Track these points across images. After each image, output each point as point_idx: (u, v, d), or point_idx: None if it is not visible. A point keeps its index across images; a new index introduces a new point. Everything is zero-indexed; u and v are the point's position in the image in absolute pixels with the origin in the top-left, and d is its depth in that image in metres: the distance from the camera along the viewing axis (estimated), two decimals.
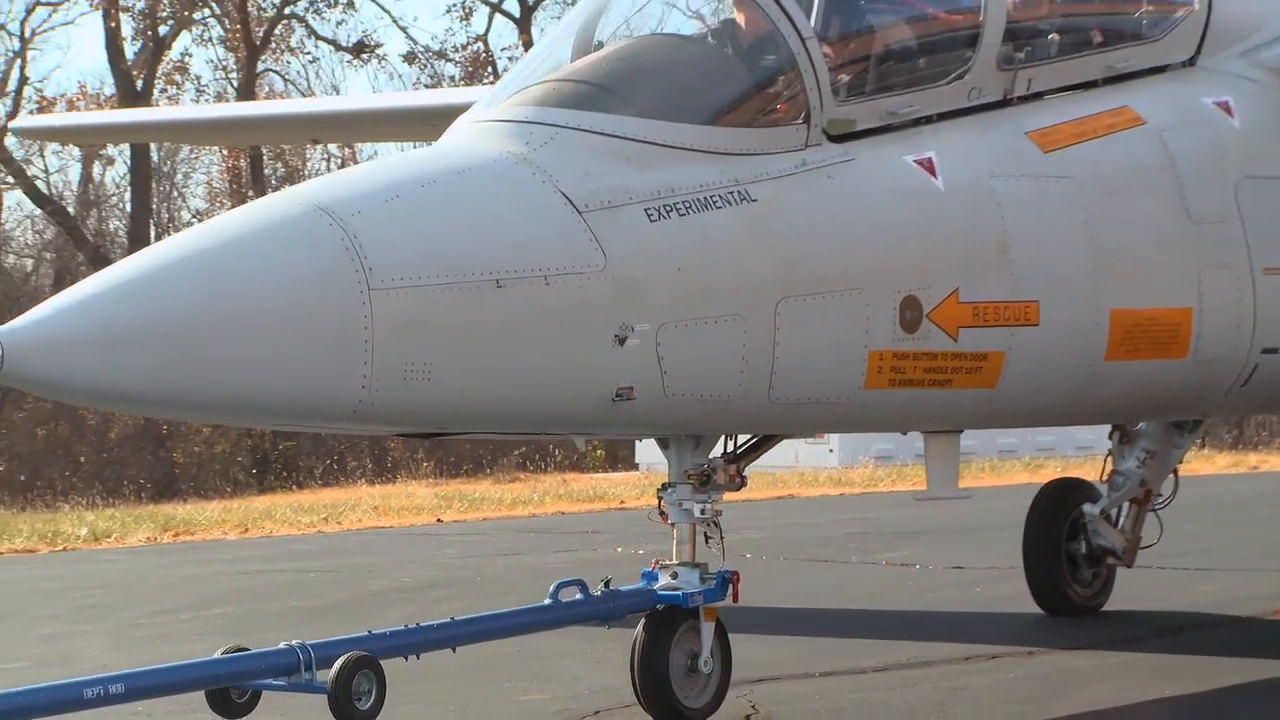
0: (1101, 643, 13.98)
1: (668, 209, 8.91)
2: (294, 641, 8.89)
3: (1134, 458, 14.92)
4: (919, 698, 11.96)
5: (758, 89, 9.78)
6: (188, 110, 55.40)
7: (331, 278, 7.79)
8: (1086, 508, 15.15)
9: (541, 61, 10.03)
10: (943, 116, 10.29)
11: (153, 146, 66.33)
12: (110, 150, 67.07)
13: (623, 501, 32.56)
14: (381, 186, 8.59)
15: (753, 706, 11.66)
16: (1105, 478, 15.21)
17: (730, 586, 10.16)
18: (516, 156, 8.77)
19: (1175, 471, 15.24)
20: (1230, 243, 11.29)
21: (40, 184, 72.27)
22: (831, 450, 47.50)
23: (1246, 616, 15.41)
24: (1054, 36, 11.19)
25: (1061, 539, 15.21)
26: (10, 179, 71.82)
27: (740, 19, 9.89)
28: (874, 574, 19.51)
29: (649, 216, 8.84)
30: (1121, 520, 15.15)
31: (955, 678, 12.73)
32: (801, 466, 43.26)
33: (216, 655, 9.01)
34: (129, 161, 72.56)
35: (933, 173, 10.00)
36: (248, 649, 9.02)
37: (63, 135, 42.10)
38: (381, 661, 8.94)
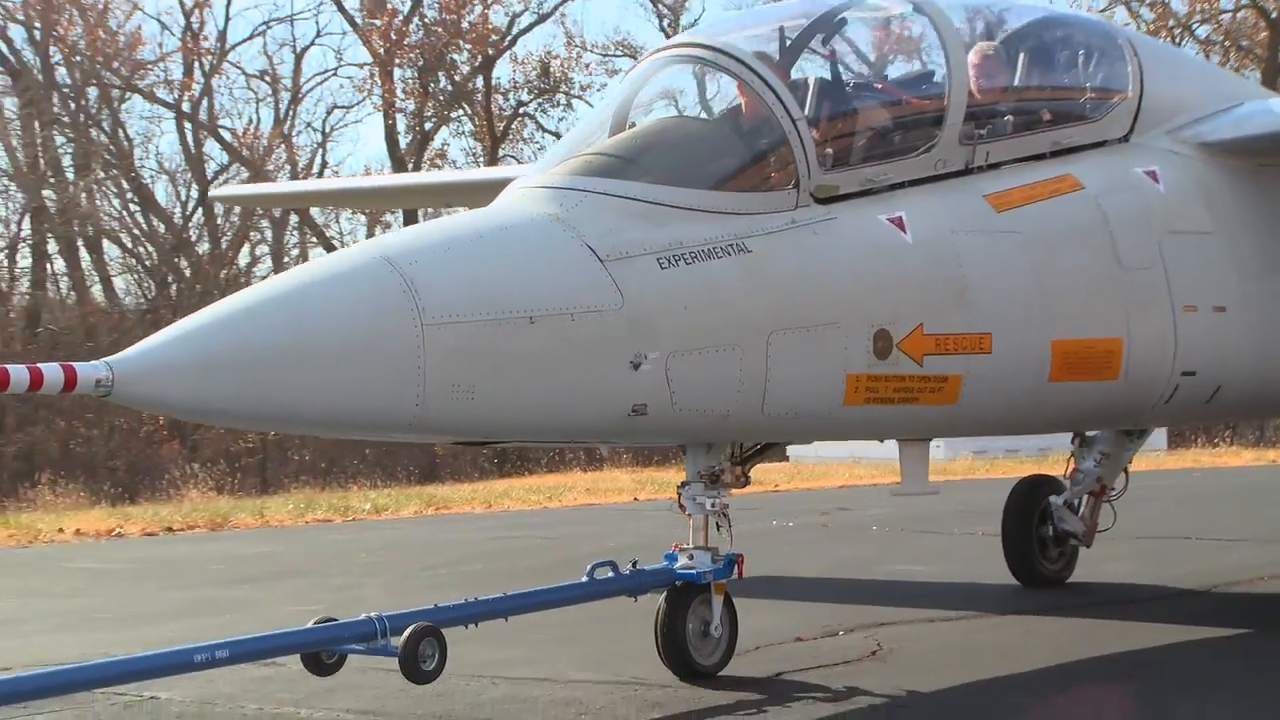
0: (1064, 608, 13.83)
1: (676, 259, 8.73)
2: (373, 613, 8.76)
3: (1091, 458, 14.73)
4: (991, 638, 12.17)
5: (755, 160, 9.60)
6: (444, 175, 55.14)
7: (391, 314, 7.70)
8: (1053, 499, 14.92)
9: (579, 139, 9.94)
10: (913, 183, 10.06)
11: None
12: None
13: (776, 485, 32.98)
14: (437, 240, 8.52)
15: (877, 644, 11.80)
16: (1068, 474, 15.06)
17: (736, 566, 10.03)
18: (552, 216, 8.65)
19: (1126, 469, 15.03)
20: (1155, 286, 11.02)
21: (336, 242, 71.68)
22: (937, 445, 46.88)
23: (1186, 589, 15.07)
24: (1009, 117, 10.99)
25: (1033, 524, 15.04)
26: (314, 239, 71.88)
27: (743, 103, 9.76)
28: (971, 542, 19.27)
29: (660, 265, 8.67)
30: (1082, 509, 14.85)
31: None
32: None
33: (310, 625, 8.82)
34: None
35: (902, 229, 9.79)
36: (336, 619, 8.87)
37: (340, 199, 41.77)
38: (446, 629, 8.81)
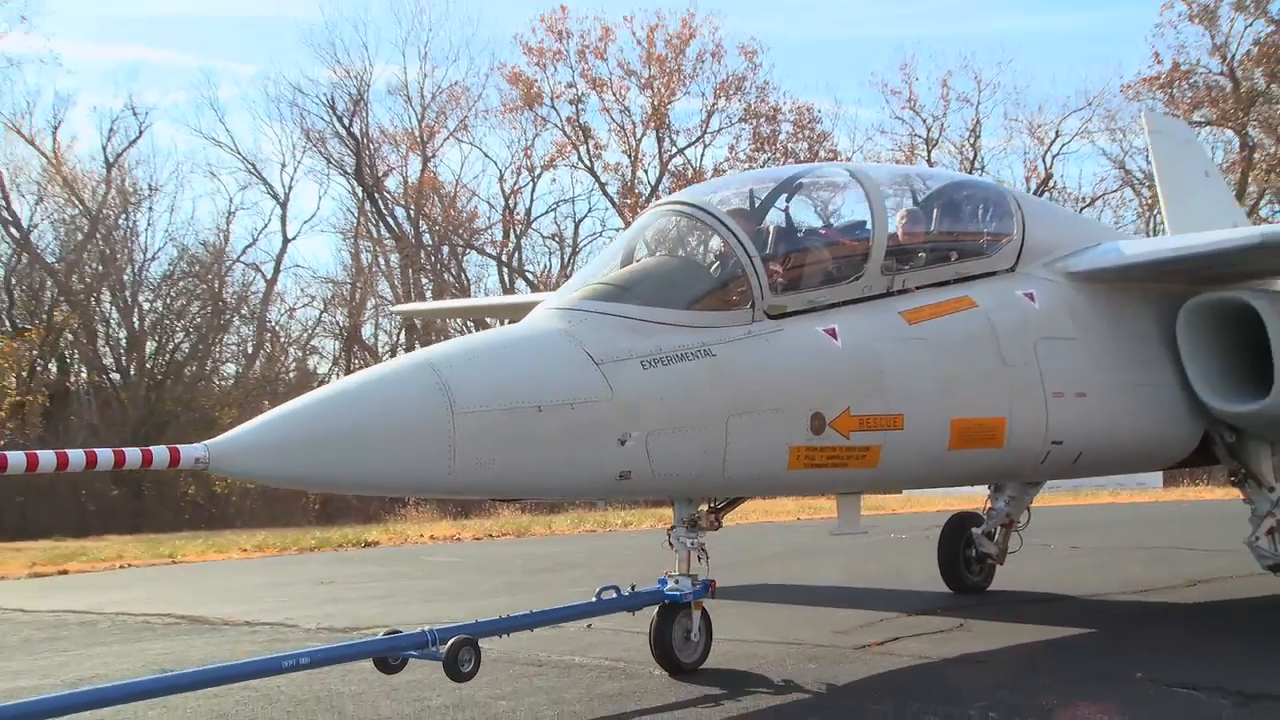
0: (980, 608, 13.13)
1: (656, 361, 8.43)
2: (426, 627, 8.41)
3: (1002, 499, 14.34)
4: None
5: (721, 287, 9.27)
6: None
7: (430, 406, 7.53)
8: (974, 530, 14.50)
9: (593, 270, 9.69)
10: (845, 303, 9.70)
11: None
12: None
13: (894, 509, 31.14)
14: (468, 349, 8.33)
15: (960, 624, 11.90)
16: (986, 511, 14.55)
17: (709, 588, 9.63)
18: (561, 330, 8.43)
19: (1029, 508, 14.51)
20: (1030, 378, 10.57)
21: None
22: None
23: (1071, 595, 14.34)
24: (922, 254, 10.68)
25: (960, 547, 14.53)
26: None
27: (713, 244, 9.48)
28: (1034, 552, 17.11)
29: (643, 366, 8.37)
30: (996, 537, 14.40)
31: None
32: None
33: (380, 636, 8.55)
34: None
35: (835, 337, 9.40)
36: (400, 631, 8.53)
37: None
38: (483, 640, 8.55)
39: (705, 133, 61.41)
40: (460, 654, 8.05)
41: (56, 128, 57.93)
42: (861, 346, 9.50)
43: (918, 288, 10.22)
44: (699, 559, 9.58)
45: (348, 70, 61.22)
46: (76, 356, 56.54)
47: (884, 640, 11.00)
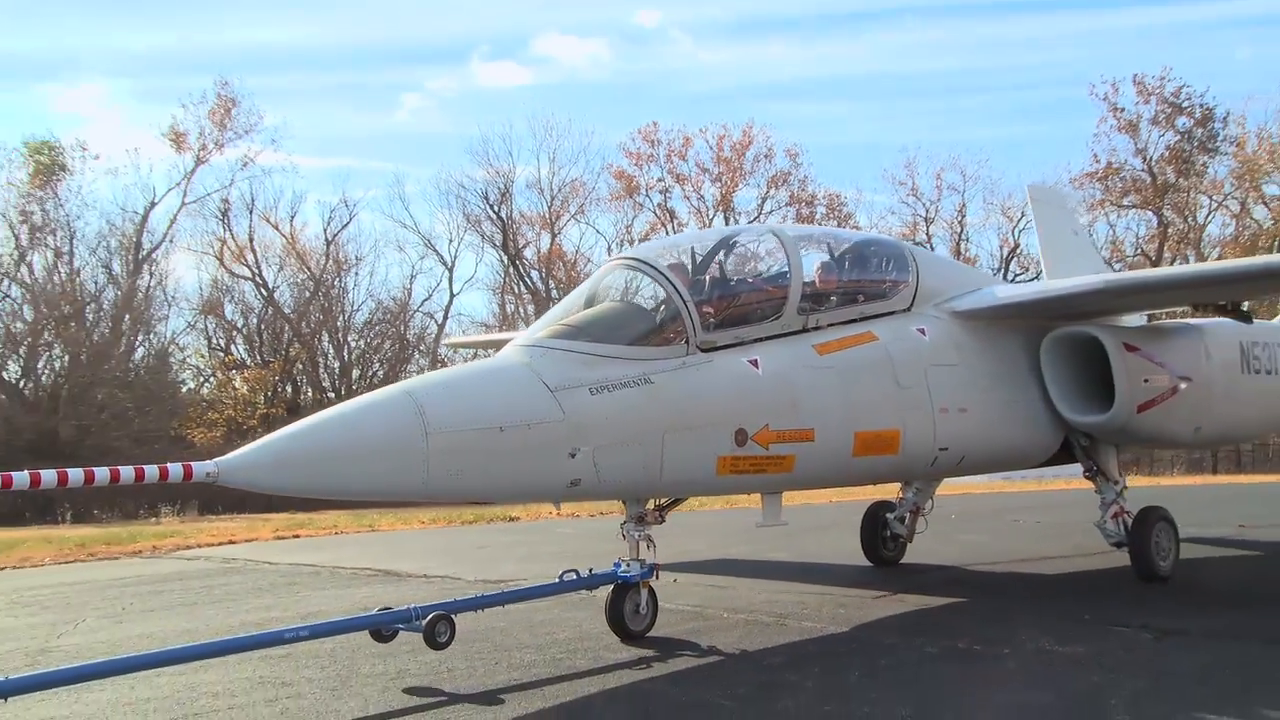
0: (898, 577, 12.30)
1: (602, 388, 7.89)
2: (409, 605, 7.91)
3: (911, 491, 13.64)
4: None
5: (660, 327, 8.62)
6: None
7: (407, 427, 7.05)
8: (888, 514, 13.78)
9: (558, 312, 9.00)
10: (767, 338, 9.11)
11: None
12: None
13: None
14: (444, 380, 7.92)
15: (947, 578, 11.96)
16: (898, 499, 13.76)
17: (654, 571, 9.09)
18: (524, 363, 7.89)
19: (932, 497, 13.86)
20: (921, 397, 9.98)
21: None
22: None
23: (955, 565, 13.60)
24: (834, 298, 10.04)
25: (878, 528, 13.79)
26: None
27: (656, 292, 8.83)
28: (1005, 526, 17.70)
29: (590, 392, 7.83)
30: (906, 521, 13.68)
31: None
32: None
33: (374, 612, 7.98)
34: None
35: (757, 366, 8.82)
36: (391, 608, 7.98)
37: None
38: (457, 615, 8.01)
39: (760, 214, 61.36)
40: (437, 627, 7.58)
41: (293, 216, 61.28)
42: (779, 374, 8.92)
43: (829, 325, 9.64)
44: (648, 547, 9.03)
45: (497, 171, 62.22)
46: (304, 381, 59.69)
47: (895, 592, 11.05)
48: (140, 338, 55.52)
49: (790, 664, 7.97)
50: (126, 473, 6.49)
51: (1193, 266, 20.36)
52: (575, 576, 8.84)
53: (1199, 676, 7.36)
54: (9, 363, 50.46)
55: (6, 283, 50.54)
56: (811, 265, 10.06)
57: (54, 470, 6.41)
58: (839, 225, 58.22)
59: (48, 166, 52.34)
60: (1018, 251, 60.73)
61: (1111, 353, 10.98)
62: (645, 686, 7.43)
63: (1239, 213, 56.84)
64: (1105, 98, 56.06)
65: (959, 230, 62.82)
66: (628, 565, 8.90)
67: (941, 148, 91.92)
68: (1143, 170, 56.99)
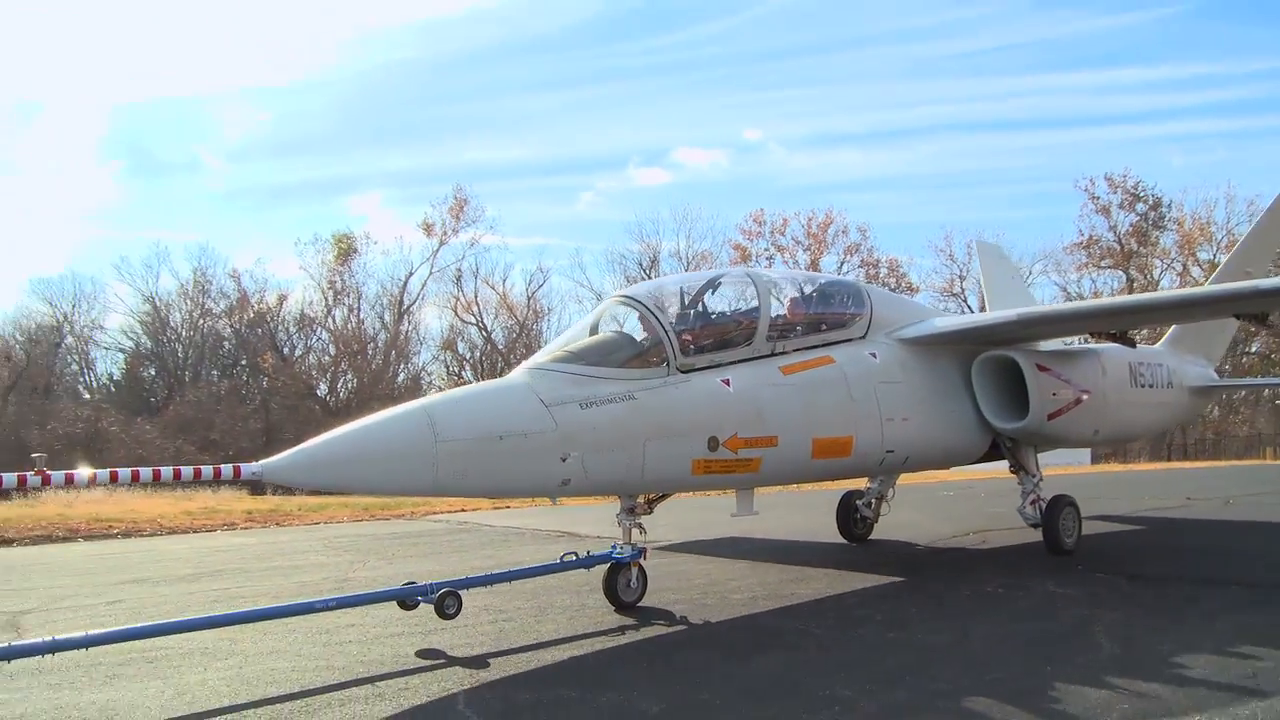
0: (869, 554, 11.06)
1: (591, 403, 6.86)
2: (426, 582, 6.88)
3: (876, 481, 12.18)
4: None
5: (646, 352, 7.53)
6: None
7: (420, 437, 6.10)
8: (857, 500, 12.35)
9: (564, 339, 7.92)
10: (739, 362, 7.97)
11: None
12: None
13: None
14: (455, 397, 6.76)
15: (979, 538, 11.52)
16: (866, 488, 12.33)
17: (643, 554, 7.94)
18: (525, 383, 6.88)
19: (893, 486, 12.38)
20: (870, 409, 8.77)
21: None
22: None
23: (924, 544, 12.09)
24: (799, 328, 8.82)
25: (850, 512, 12.36)
26: None
27: (645, 323, 7.74)
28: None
29: (581, 407, 6.80)
30: (872, 506, 12.30)
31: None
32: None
33: (399, 586, 6.93)
34: None
35: (728, 385, 7.70)
36: (415, 583, 6.90)
37: None
38: (466, 591, 7.03)
39: (839, 275, 61.03)
40: (445, 601, 6.60)
41: (504, 280, 65.14)
42: (747, 390, 7.80)
43: (795, 350, 8.49)
44: (641, 533, 7.95)
45: (648, 244, 63.21)
46: None
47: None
48: (401, 366, 60.44)
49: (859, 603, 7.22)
50: (186, 472, 5.73)
51: (1079, 303, 18.92)
52: (575, 558, 7.75)
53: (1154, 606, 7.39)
54: (320, 383, 57.65)
55: (318, 329, 58.82)
56: (780, 302, 8.93)
57: (128, 469, 5.69)
58: (897, 283, 59.68)
59: (345, 250, 59.61)
60: None
61: (1026, 372, 9.83)
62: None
63: (1182, 272, 59.35)
64: (1086, 189, 60.13)
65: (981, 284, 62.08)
66: (621, 548, 7.81)
67: (970, 224, 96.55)
68: (1114, 241, 60.09)
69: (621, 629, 6.92)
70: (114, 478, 5.63)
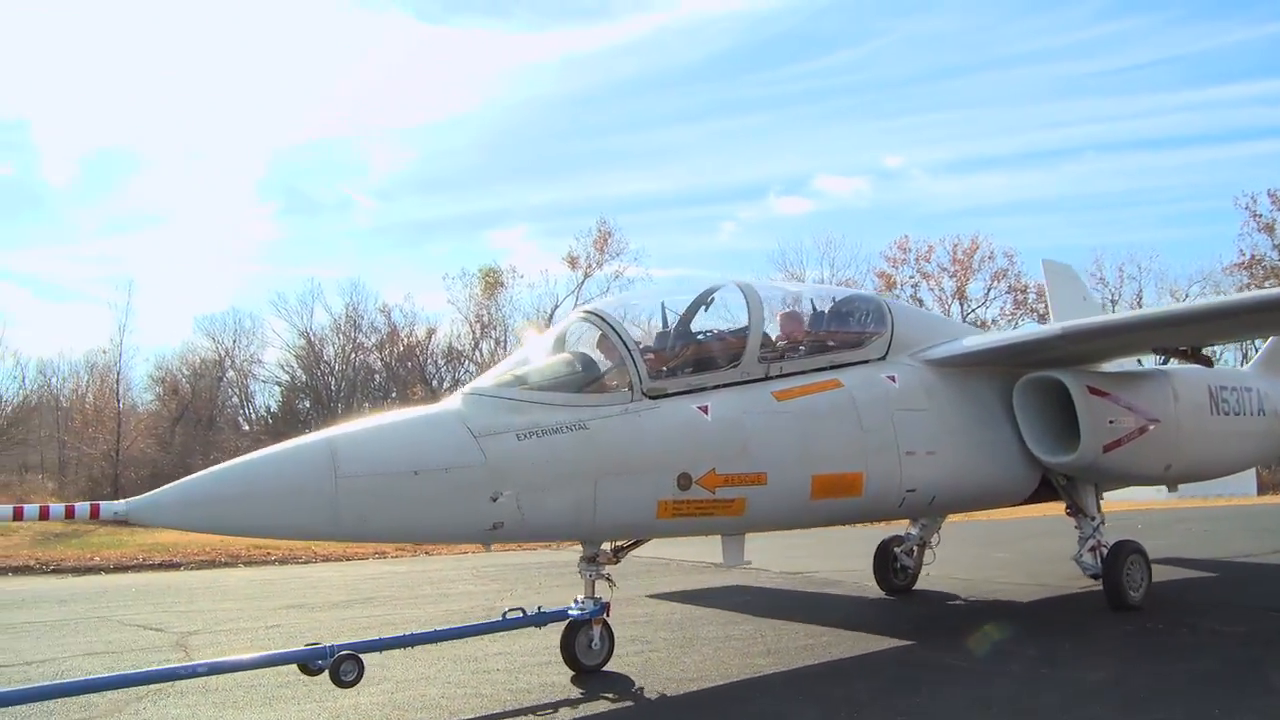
0: (911, 609, 10.07)
1: (531, 434, 5.99)
2: (329, 643, 5.91)
3: (917, 528, 11.01)
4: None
5: (606, 375, 6.68)
6: None
7: (317, 470, 5.33)
8: (897, 547, 11.12)
9: (508, 362, 7.09)
10: (723, 385, 7.04)
11: None
12: None
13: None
14: (367, 426, 5.89)
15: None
16: (906, 533, 11.11)
17: (606, 609, 6.95)
18: (455, 410, 6.06)
19: (938, 529, 11.04)
20: (886, 440, 7.70)
21: None
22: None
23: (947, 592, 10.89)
24: (802, 348, 7.88)
25: (889, 560, 11.12)
26: None
27: (606, 341, 6.84)
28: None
29: (518, 438, 5.93)
30: (913, 554, 11.08)
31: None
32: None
33: (300, 648, 6.01)
34: None
35: (706, 412, 6.74)
36: (317, 644, 5.95)
37: None
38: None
39: (986, 301, 60.75)
40: (342, 667, 5.63)
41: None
42: (730, 419, 6.82)
43: (797, 373, 7.50)
44: (611, 586, 7.01)
45: (791, 274, 61.12)
46: None
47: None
48: None
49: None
50: (30, 510, 5.16)
51: (1144, 310, 16.99)
52: (521, 614, 6.73)
53: None
54: None
55: (466, 361, 59.04)
56: (777, 318, 7.96)
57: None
58: (1046, 310, 56.46)
59: (492, 284, 59.84)
60: None
61: (1075, 395, 8.56)
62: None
63: None
64: (1247, 206, 56.89)
65: (1138, 308, 61.73)
66: (582, 603, 6.85)
67: (1121, 247, 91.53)
68: (1278, 260, 57.84)
69: (554, 707, 5.97)
70: None
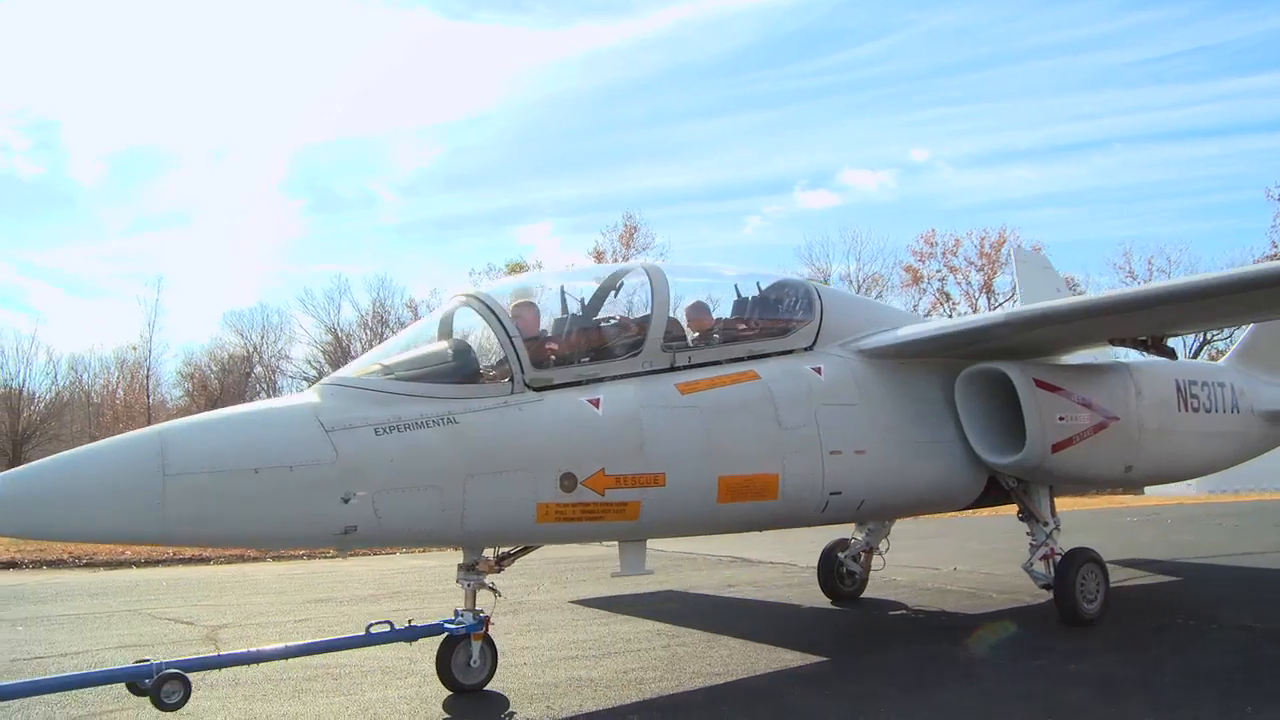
0: (857, 612, 9.61)
1: (391, 428, 5.48)
2: (152, 660, 5.34)
3: (863, 532, 10.49)
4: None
5: (481, 364, 6.16)
6: None
7: (141, 468, 4.86)
8: (841, 554, 10.53)
9: (376, 352, 6.41)
10: (620, 376, 6.50)
11: None
12: None
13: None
14: (204, 420, 5.44)
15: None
16: (853, 539, 10.56)
17: (485, 624, 6.38)
18: (309, 402, 5.56)
19: (887, 535, 10.56)
20: (808, 438, 7.11)
21: None
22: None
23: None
24: (716, 336, 7.35)
25: (834, 566, 10.51)
26: None
27: (486, 328, 6.30)
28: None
29: (376, 433, 5.43)
30: (860, 560, 10.50)
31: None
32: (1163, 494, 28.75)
33: (129, 664, 5.44)
34: None
35: (597, 406, 6.22)
36: (149, 660, 5.33)
37: None
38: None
39: (1014, 296, 58.76)
40: (165, 687, 5.06)
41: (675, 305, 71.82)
42: (624, 414, 6.26)
43: (709, 364, 6.92)
44: (496, 595, 6.52)
45: (818, 268, 61.36)
46: None
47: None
48: None
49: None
50: None
51: (1097, 294, 16.00)
52: (390, 629, 6.12)
53: None
54: None
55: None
56: (687, 304, 7.37)
57: None
58: None
59: None
60: None
61: (1020, 389, 7.94)
62: None
63: None
64: (1279, 198, 56.09)
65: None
66: (461, 616, 6.29)
67: (1151, 238, 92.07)
68: None
69: None
70: None
